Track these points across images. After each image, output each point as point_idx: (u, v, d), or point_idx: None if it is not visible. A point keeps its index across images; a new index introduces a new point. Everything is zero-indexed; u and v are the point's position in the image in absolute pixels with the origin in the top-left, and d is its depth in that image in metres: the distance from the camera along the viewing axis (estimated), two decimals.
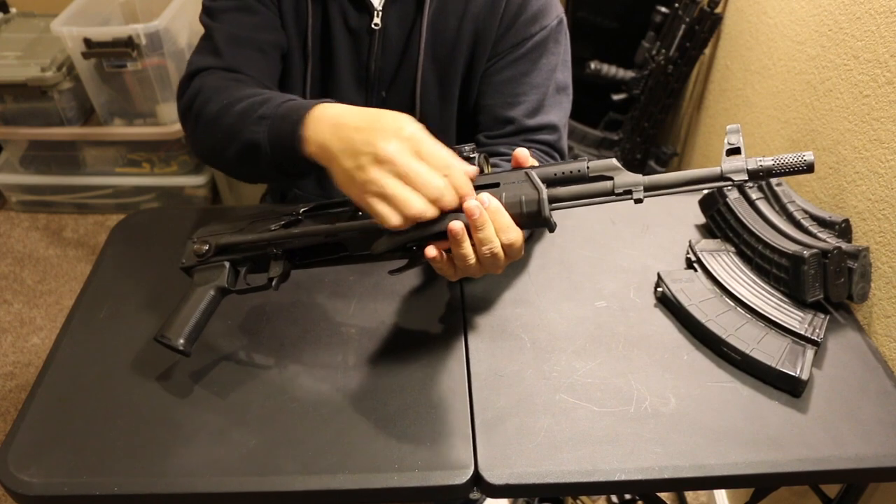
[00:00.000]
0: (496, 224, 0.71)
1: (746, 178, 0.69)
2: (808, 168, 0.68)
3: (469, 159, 0.76)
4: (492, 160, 0.96)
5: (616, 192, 0.71)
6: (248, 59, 0.98)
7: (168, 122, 2.20)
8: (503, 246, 0.72)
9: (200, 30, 1.04)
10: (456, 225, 0.70)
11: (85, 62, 2.06)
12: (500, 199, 0.72)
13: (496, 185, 0.74)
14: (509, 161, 0.99)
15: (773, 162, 0.68)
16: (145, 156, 2.34)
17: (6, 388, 1.90)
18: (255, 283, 0.86)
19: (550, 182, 0.73)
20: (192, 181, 2.36)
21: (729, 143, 0.70)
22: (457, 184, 0.71)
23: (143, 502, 0.77)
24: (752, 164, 0.69)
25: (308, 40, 1.04)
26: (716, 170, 0.70)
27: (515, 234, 0.72)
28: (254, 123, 0.82)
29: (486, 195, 0.72)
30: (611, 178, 0.72)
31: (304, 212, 0.84)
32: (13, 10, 2.37)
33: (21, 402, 0.91)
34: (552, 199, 0.72)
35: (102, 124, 2.23)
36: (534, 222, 0.73)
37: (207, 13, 1.02)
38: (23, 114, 2.22)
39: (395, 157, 0.68)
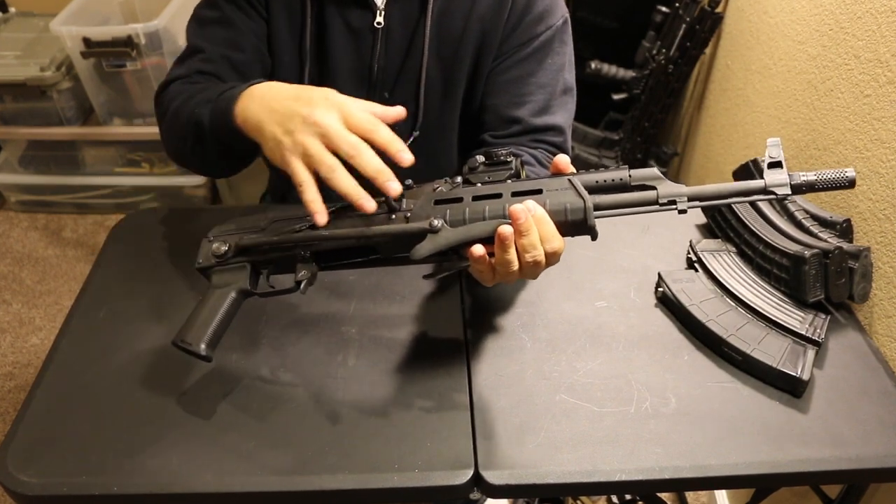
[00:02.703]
0: (541, 233, 0.71)
1: (790, 193, 0.70)
2: (850, 184, 0.69)
3: (505, 163, 0.76)
4: None
5: (660, 202, 0.71)
6: (220, 74, 1.02)
7: None
8: (546, 254, 0.72)
9: None
10: (506, 229, 0.70)
11: (84, 62, 2.06)
12: (543, 206, 0.71)
13: (539, 191, 0.73)
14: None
15: (815, 177, 0.69)
16: (145, 156, 2.34)
17: (6, 388, 1.90)
18: (279, 285, 0.83)
19: (592, 190, 0.73)
20: (192, 181, 2.35)
21: (770, 157, 0.70)
22: (383, 140, 0.74)
23: (142, 502, 0.77)
24: (796, 179, 0.69)
25: (306, 40, 1.03)
26: (759, 183, 0.70)
27: (559, 243, 0.72)
28: (201, 106, 0.89)
29: (531, 202, 0.71)
30: (653, 188, 0.71)
31: (331, 212, 0.81)
32: (12, 9, 2.37)
33: (21, 403, 0.90)
34: (595, 207, 0.72)
35: (102, 124, 2.23)
36: (577, 230, 0.73)
37: (195, 21, 1.05)
38: (22, 113, 2.22)
39: (320, 120, 0.74)
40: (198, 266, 0.85)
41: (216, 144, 0.89)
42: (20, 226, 2.42)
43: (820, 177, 0.69)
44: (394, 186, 0.73)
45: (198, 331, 0.79)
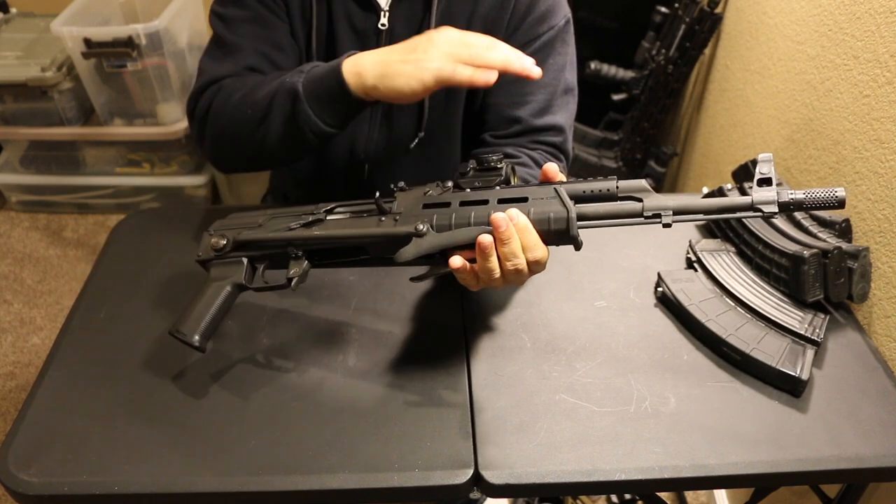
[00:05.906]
0: (524, 242, 0.71)
1: (777, 211, 0.69)
2: (840, 204, 0.68)
3: (496, 169, 0.77)
4: None
5: (645, 214, 0.71)
6: (265, 72, 0.99)
7: (168, 122, 2.20)
8: (528, 263, 0.72)
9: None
10: (485, 238, 0.70)
11: (85, 62, 2.06)
12: (527, 215, 0.72)
13: (524, 199, 0.73)
14: (518, 164, 0.99)
15: (804, 196, 0.68)
16: (145, 156, 2.34)
17: (6, 388, 1.90)
18: (272, 281, 0.85)
19: (578, 199, 0.73)
20: (192, 181, 2.35)
21: (760, 173, 0.70)
22: (504, 56, 0.79)
23: (143, 502, 0.77)
24: (784, 197, 0.69)
25: (313, 41, 1.04)
26: (746, 199, 0.70)
27: (542, 253, 0.72)
28: (292, 76, 0.89)
29: (514, 210, 0.71)
30: (640, 200, 0.71)
31: (325, 211, 0.83)
32: (13, 10, 2.37)
33: (21, 402, 0.91)
34: (579, 217, 0.72)
35: (102, 124, 2.23)
36: (560, 240, 0.73)
37: (221, 19, 1.01)
38: (23, 114, 2.22)
39: (446, 35, 0.80)
40: (198, 259, 0.88)
41: (305, 118, 0.88)
42: (21, 226, 2.43)
43: (809, 196, 0.68)
44: (534, 70, 0.79)
45: (193, 322, 0.82)
